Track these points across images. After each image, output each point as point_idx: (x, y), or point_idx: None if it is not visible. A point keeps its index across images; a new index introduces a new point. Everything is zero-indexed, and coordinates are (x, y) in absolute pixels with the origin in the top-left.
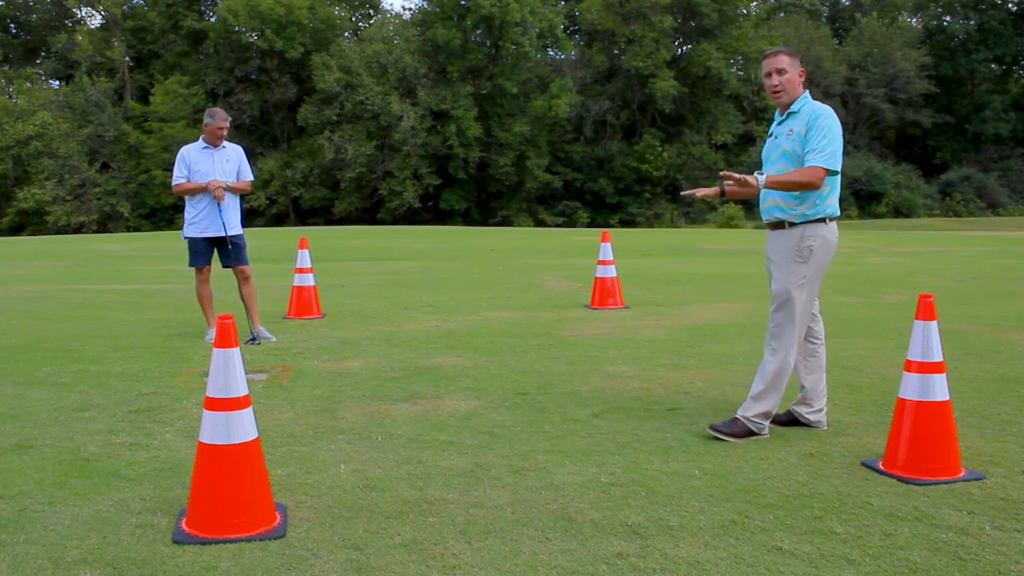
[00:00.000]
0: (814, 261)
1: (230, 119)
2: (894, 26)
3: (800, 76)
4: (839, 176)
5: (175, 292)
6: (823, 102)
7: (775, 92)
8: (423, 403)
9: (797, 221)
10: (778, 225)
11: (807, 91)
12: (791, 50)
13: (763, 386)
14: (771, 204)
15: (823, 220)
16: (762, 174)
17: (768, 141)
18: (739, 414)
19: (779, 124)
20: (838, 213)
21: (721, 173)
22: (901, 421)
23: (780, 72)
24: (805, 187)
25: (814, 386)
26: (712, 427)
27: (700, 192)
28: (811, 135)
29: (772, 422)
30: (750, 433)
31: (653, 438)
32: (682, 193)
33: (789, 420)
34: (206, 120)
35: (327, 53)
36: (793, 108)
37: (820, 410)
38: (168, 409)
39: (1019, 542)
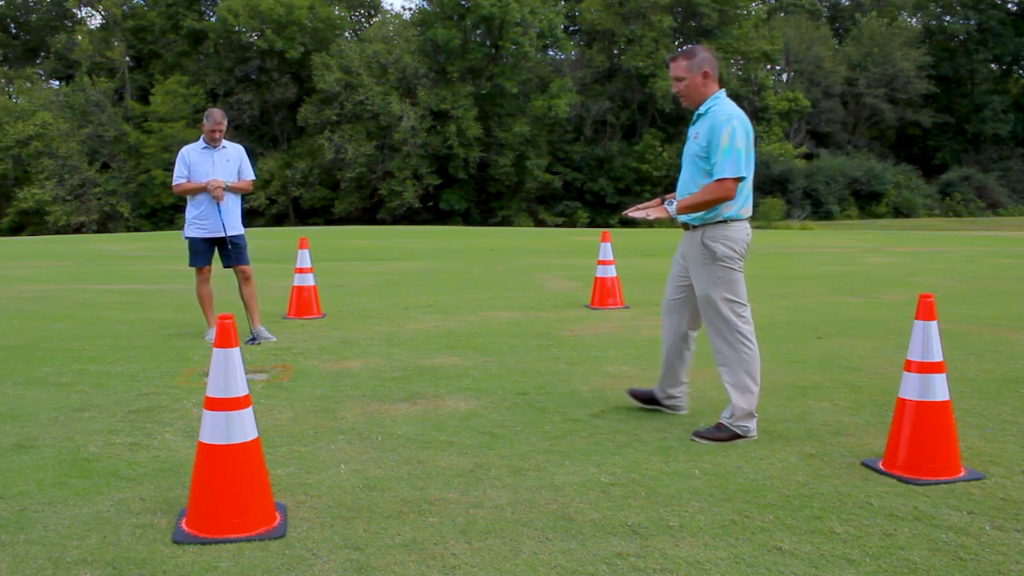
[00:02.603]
0: (720, 261)
1: (227, 119)
2: (894, 26)
3: (704, 77)
4: (749, 179)
5: (175, 292)
6: (823, 102)
7: (679, 97)
8: (423, 403)
9: (697, 224)
10: (685, 227)
11: (721, 91)
12: (694, 51)
13: (737, 389)
14: None
15: (724, 222)
16: (673, 201)
17: (686, 143)
18: (723, 419)
19: (691, 125)
20: (744, 213)
21: (641, 207)
22: (901, 421)
23: (678, 80)
24: (719, 201)
25: (678, 378)
26: (695, 433)
27: (652, 214)
28: (712, 147)
29: (632, 395)
30: (736, 437)
31: (653, 438)
32: (627, 213)
33: (649, 398)
34: (203, 121)
35: (327, 53)
36: (701, 110)
37: (679, 397)
38: (168, 409)
39: (1019, 542)
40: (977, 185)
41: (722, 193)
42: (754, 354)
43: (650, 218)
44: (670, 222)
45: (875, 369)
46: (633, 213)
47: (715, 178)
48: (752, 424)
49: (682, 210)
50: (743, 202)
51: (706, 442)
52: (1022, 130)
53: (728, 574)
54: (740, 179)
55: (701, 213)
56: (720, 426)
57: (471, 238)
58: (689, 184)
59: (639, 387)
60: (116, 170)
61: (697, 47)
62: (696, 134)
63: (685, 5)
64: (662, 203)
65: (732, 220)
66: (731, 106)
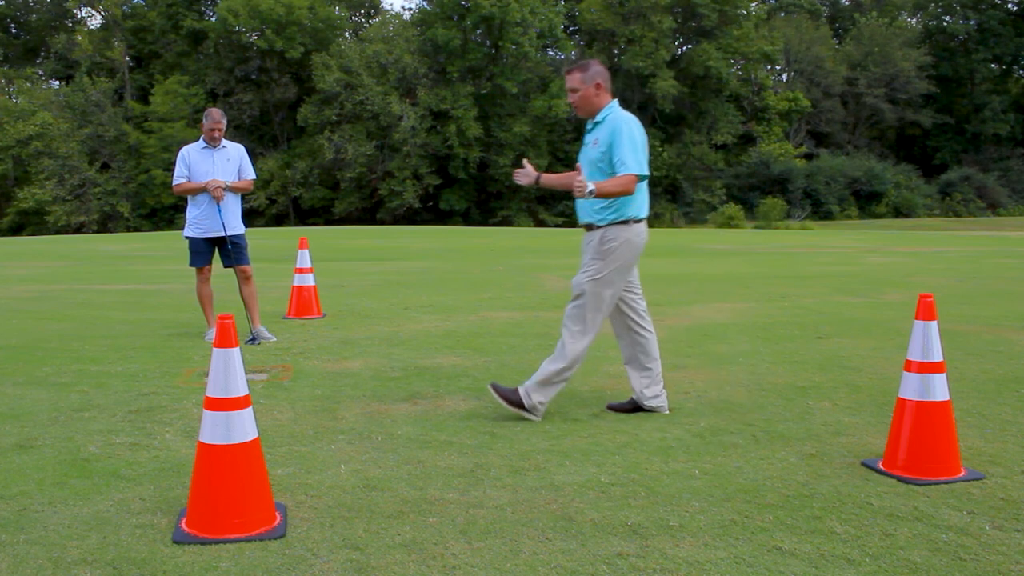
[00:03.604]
0: (612, 259)
1: (225, 119)
2: (894, 26)
3: (597, 89)
4: (646, 180)
5: (175, 292)
6: (823, 102)
7: (574, 108)
8: (423, 403)
9: (602, 224)
10: (588, 227)
11: (614, 101)
12: (587, 64)
13: (553, 371)
14: (584, 209)
15: (626, 222)
16: (590, 185)
17: (581, 150)
18: (523, 388)
19: (588, 133)
20: (643, 215)
21: (577, 166)
22: (901, 421)
23: (573, 91)
24: (622, 194)
25: (648, 372)
26: (493, 384)
27: (524, 177)
28: (615, 146)
29: (615, 410)
30: (522, 408)
31: (653, 438)
32: (517, 178)
33: (633, 408)
34: (203, 121)
35: (327, 53)
36: (598, 118)
37: (658, 395)
38: (168, 409)
39: (1019, 542)
40: (977, 185)
41: (627, 187)
42: (584, 352)
43: (528, 182)
44: (578, 195)
45: (875, 369)
46: (524, 181)
47: (623, 173)
48: (540, 405)
49: (599, 195)
50: (641, 204)
51: (496, 396)
52: (1022, 130)
53: (728, 574)
54: (642, 177)
55: (607, 214)
56: (516, 391)
57: (471, 238)
58: None
59: (616, 402)
60: (116, 170)
61: (591, 61)
62: (595, 140)
63: (685, 5)
64: (576, 181)
65: (633, 221)
66: (626, 114)
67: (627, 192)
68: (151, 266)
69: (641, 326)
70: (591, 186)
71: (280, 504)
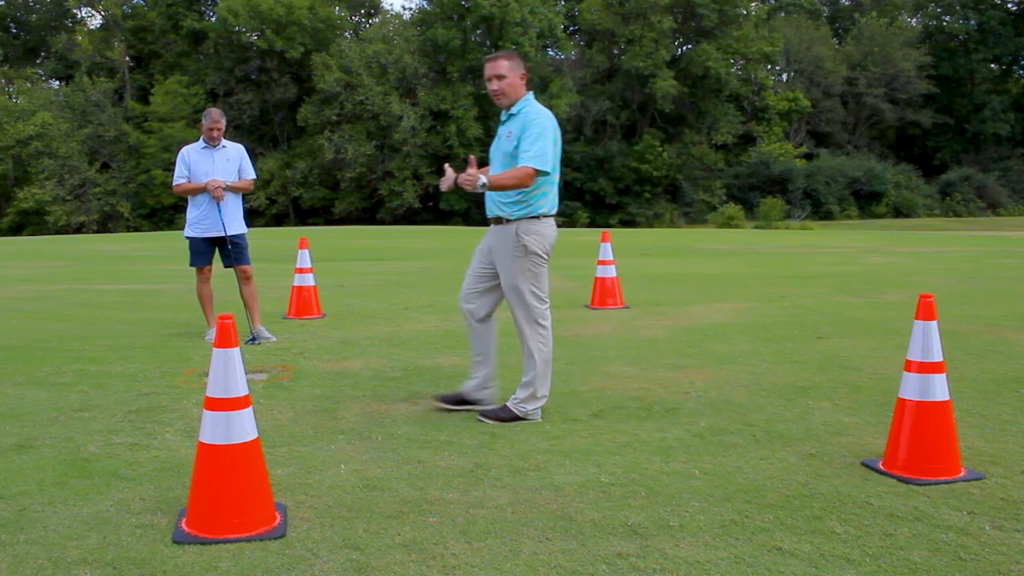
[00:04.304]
0: (532, 251)
1: (224, 119)
2: (894, 26)
3: (521, 79)
4: (554, 177)
5: (175, 292)
6: (823, 102)
7: (496, 96)
8: (423, 403)
9: (513, 218)
10: (497, 221)
11: (530, 93)
12: (512, 54)
13: (531, 376)
14: (492, 202)
15: (537, 217)
16: (483, 177)
17: (494, 141)
18: (509, 401)
19: (502, 125)
20: (554, 211)
21: (467, 161)
22: (901, 421)
23: (500, 78)
24: (517, 186)
25: (484, 367)
26: (482, 414)
27: (461, 181)
28: (523, 138)
29: (442, 400)
30: (517, 419)
31: (653, 438)
32: (443, 187)
33: (457, 400)
34: (202, 120)
35: (327, 53)
36: (514, 110)
37: (487, 388)
38: (168, 409)
39: (1019, 542)
40: (977, 185)
41: (522, 178)
42: (549, 345)
43: (455, 184)
44: (469, 188)
45: (875, 369)
46: (445, 187)
47: (521, 164)
48: (532, 408)
49: (492, 187)
50: (552, 200)
51: (490, 422)
52: (1022, 130)
53: (728, 574)
54: (542, 173)
55: (518, 208)
56: (505, 407)
57: (471, 238)
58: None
59: (445, 392)
60: (116, 170)
61: (514, 52)
62: (508, 133)
63: (685, 5)
64: (464, 175)
65: (544, 216)
66: (542, 108)
67: (523, 185)
68: (151, 266)
69: (492, 323)
70: (483, 179)
71: (280, 504)
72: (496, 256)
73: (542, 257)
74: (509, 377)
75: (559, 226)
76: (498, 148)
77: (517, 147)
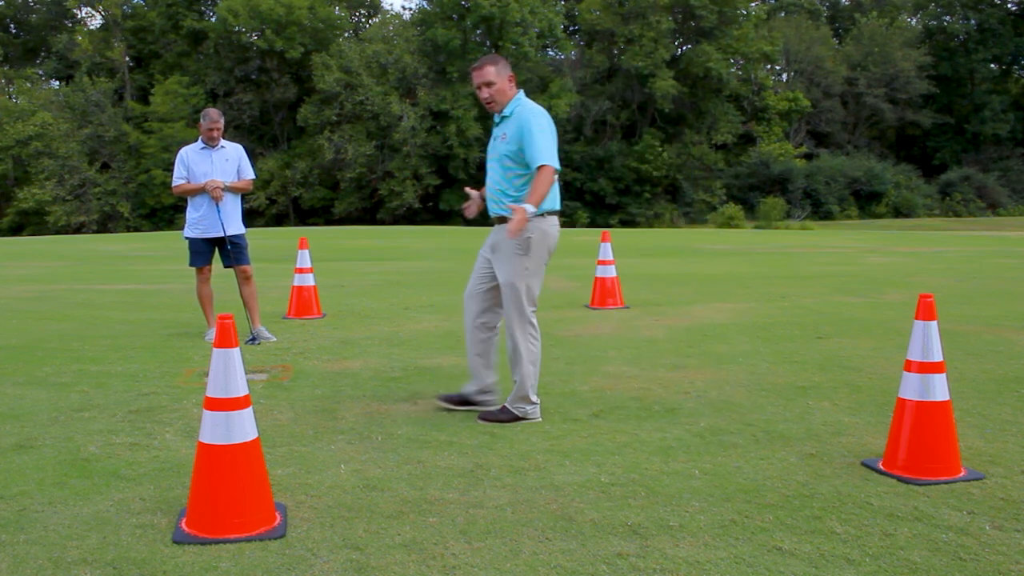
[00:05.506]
0: (533, 253)
1: (223, 119)
2: (894, 26)
3: (510, 81)
4: (557, 173)
5: (175, 292)
6: (823, 102)
7: (488, 103)
8: (423, 403)
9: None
10: (501, 220)
11: (520, 92)
12: (496, 58)
13: (519, 377)
14: (495, 201)
15: (541, 215)
16: (524, 203)
17: (490, 143)
18: (507, 402)
19: (496, 127)
20: (557, 207)
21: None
22: (901, 421)
23: (489, 85)
24: (548, 189)
25: (486, 370)
26: (481, 416)
27: (472, 209)
28: (527, 139)
29: (445, 400)
30: (517, 419)
31: (653, 438)
32: (468, 214)
33: (460, 400)
34: (200, 121)
35: (327, 53)
36: (506, 112)
37: (489, 392)
38: (168, 409)
39: (1019, 542)
40: (977, 185)
41: (549, 181)
42: (539, 344)
43: (514, 230)
44: (524, 219)
45: (875, 369)
46: (471, 213)
47: (538, 165)
48: (531, 408)
49: (536, 203)
50: (555, 197)
51: (490, 424)
52: (1022, 130)
53: (728, 574)
54: (556, 170)
55: None
56: (504, 409)
57: (471, 238)
58: (499, 183)
59: (448, 392)
60: (116, 170)
61: (497, 55)
62: (503, 135)
63: (684, 6)
64: (515, 216)
65: (548, 213)
66: (535, 106)
67: (550, 184)
68: (151, 266)
69: (494, 329)
70: (530, 208)
71: (280, 504)
72: (497, 253)
73: (543, 256)
74: (509, 377)
75: (560, 226)
76: (494, 150)
77: (517, 150)
